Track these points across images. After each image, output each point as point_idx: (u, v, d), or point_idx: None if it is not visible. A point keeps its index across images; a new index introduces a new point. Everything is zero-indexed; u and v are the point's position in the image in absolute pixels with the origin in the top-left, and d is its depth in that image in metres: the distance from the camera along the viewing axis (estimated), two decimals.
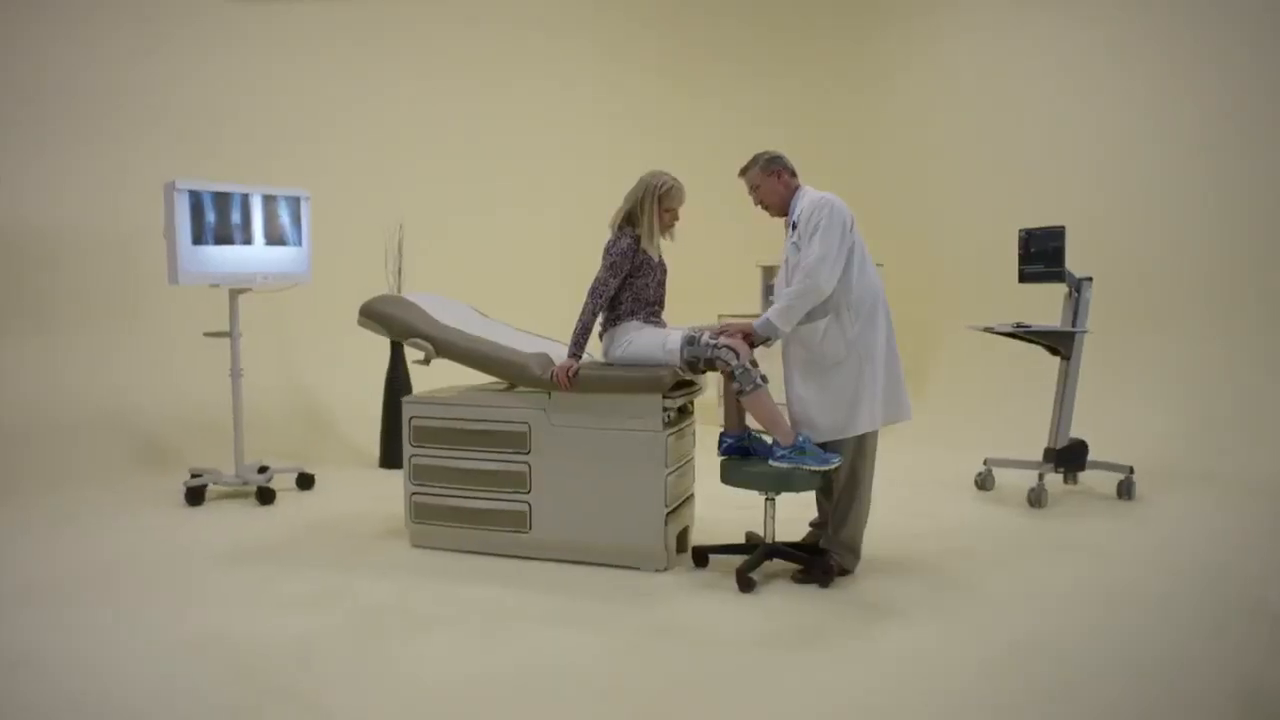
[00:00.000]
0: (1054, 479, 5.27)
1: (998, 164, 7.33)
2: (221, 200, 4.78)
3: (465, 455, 3.98)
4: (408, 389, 5.67)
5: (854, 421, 3.66)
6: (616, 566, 3.80)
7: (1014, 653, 2.94)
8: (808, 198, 3.71)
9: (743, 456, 3.78)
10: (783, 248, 3.82)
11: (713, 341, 3.65)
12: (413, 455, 4.07)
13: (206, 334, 5.03)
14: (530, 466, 3.89)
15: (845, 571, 3.71)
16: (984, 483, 5.15)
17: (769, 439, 3.69)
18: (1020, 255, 5.09)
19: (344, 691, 2.67)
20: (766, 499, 3.71)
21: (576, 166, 7.52)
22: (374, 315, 4.15)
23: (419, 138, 6.88)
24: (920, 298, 7.52)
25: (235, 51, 6.15)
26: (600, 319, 3.88)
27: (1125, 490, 4.92)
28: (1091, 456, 5.03)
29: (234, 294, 4.97)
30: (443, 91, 7.05)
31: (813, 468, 3.55)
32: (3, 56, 5.39)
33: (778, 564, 3.79)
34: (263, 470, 5.13)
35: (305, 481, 5.26)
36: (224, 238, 4.80)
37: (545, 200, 7.48)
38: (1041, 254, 4.95)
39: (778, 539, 3.84)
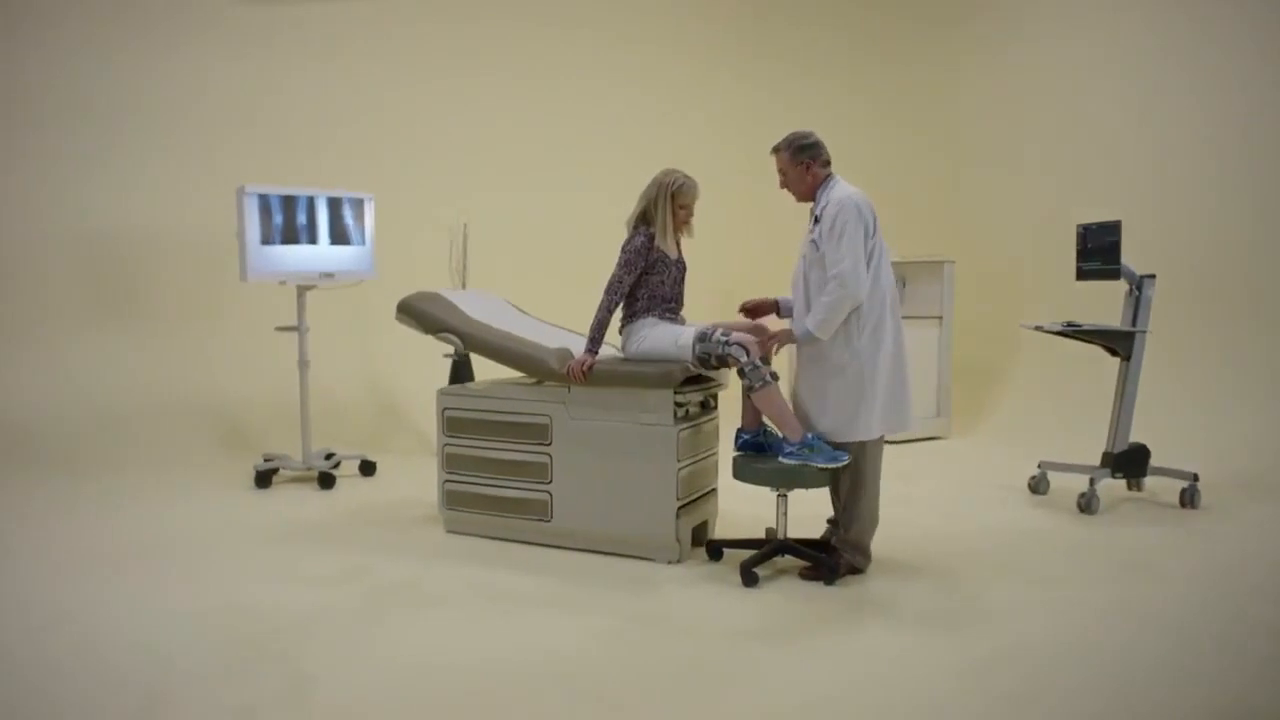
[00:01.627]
0: (1114, 485, 5.05)
1: (1059, 158, 7.03)
2: (288, 203, 5.10)
3: (493, 445, 4.14)
4: (471, 381, 5.88)
5: (851, 428, 3.62)
6: (632, 557, 3.89)
7: (993, 660, 2.88)
8: (835, 194, 3.66)
9: (758, 452, 3.81)
10: (802, 237, 3.82)
11: (724, 338, 3.69)
12: (445, 445, 4.26)
13: (278, 328, 5.37)
14: (551, 457, 4.02)
15: (856, 570, 3.70)
16: (1038, 486, 4.99)
17: (783, 435, 3.71)
18: (1078, 252, 4.91)
19: (331, 661, 2.85)
20: (778, 495, 3.73)
21: (638, 164, 7.60)
22: (409, 311, 4.36)
23: (482, 138, 7.11)
24: (985, 296, 7.30)
25: (300, 59, 6.51)
26: (620, 315, 3.98)
27: (1188, 499, 4.69)
28: (1154, 462, 4.81)
29: (301, 290, 5.29)
30: (505, 92, 7.26)
31: (820, 465, 3.55)
32: (88, 73, 5.88)
33: (789, 561, 3.80)
34: (329, 457, 5.44)
35: (367, 468, 5.54)
36: (290, 238, 5.11)
37: (608, 198, 7.60)
38: (1098, 250, 4.76)
39: (798, 535, 3.87)
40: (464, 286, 6.11)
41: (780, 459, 3.61)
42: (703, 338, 3.74)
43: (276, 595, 3.45)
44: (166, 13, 6.05)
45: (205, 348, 6.06)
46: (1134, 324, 4.75)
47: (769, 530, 4.06)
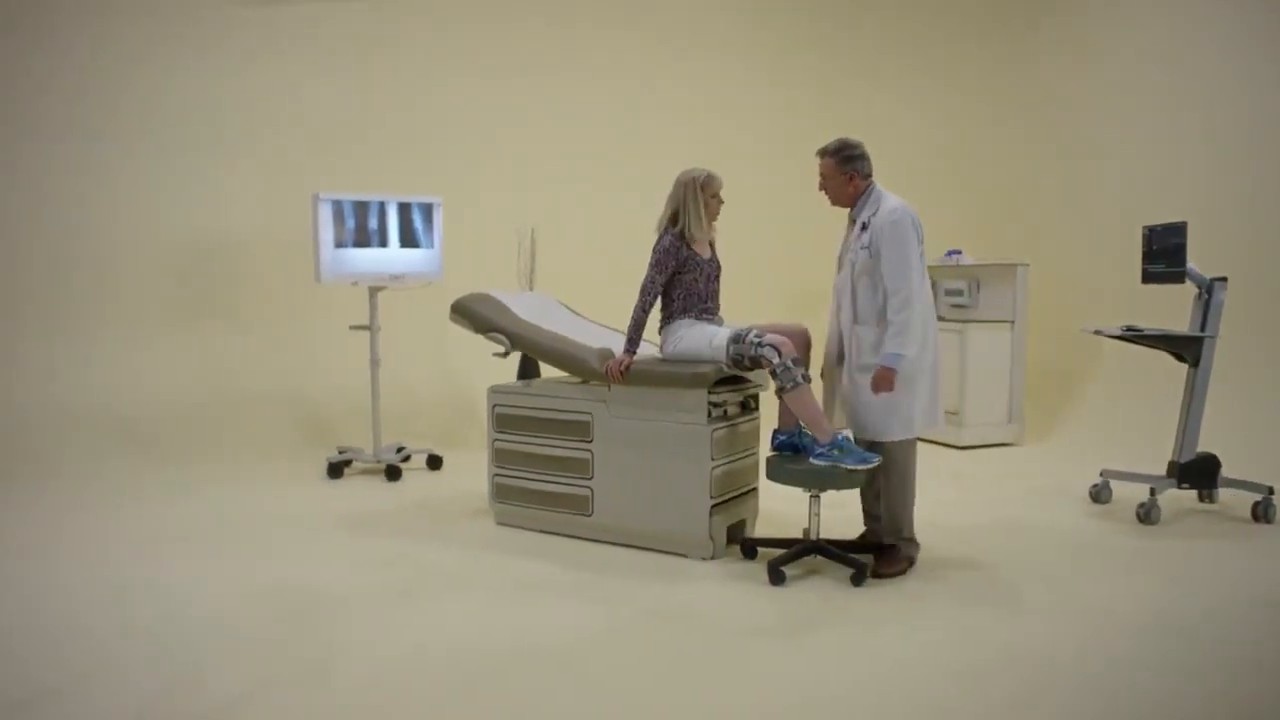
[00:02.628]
0: (1183, 497, 4.87)
1: (1135, 160, 6.76)
2: (360, 208, 5.36)
3: (538, 441, 4.28)
4: (537, 377, 6.05)
5: (906, 425, 3.70)
6: (667, 552, 3.97)
7: (1001, 665, 2.86)
8: (885, 206, 3.70)
9: (794, 453, 3.84)
10: (846, 240, 3.85)
11: (757, 339, 3.74)
12: (495, 440, 4.42)
13: (352, 327, 5.64)
14: (593, 454, 4.14)
15: (911, 563, 3.76)
16: (1099, 495, 4.85)
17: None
18: (1144, 254, 4.76)
19: (360, 638, 3.03)
20: (811, 496, 3.76)
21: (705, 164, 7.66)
22: (461, 311, 4.54)
23: (552, 140, 7.27)
24: (1061, 300, 7.08)
25: (374, 70, 6.79)
26: (659, 316, 4.07)
27: (1262, 513, 4.49)
28: (1226, 474, 4.63)
29: (372, 291, 5.55)
30: (574, 95, 7.40)
31: (850, 466, 3.57)
32: (184, 88, 6.28)
33: (820, 561, 3.82)
34: (400, 450, 5.69)
35: (434, 462, 5.77)
36: (362, 241, 5.38)
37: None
38: (1163, 252, 4.61)
39: (835, 536, 3.90)
40: (531, 289, 6.29)
41: (811, 460, 3.64)
42: (737, 338, 3.80)
43: (324, 576, 3.66)
44: (252, 28, 6.42)
45: (287, 345, 6.40)
46: (1202, 329, 4.58)
47: (806, 532, 4.08)
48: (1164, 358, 5.65)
